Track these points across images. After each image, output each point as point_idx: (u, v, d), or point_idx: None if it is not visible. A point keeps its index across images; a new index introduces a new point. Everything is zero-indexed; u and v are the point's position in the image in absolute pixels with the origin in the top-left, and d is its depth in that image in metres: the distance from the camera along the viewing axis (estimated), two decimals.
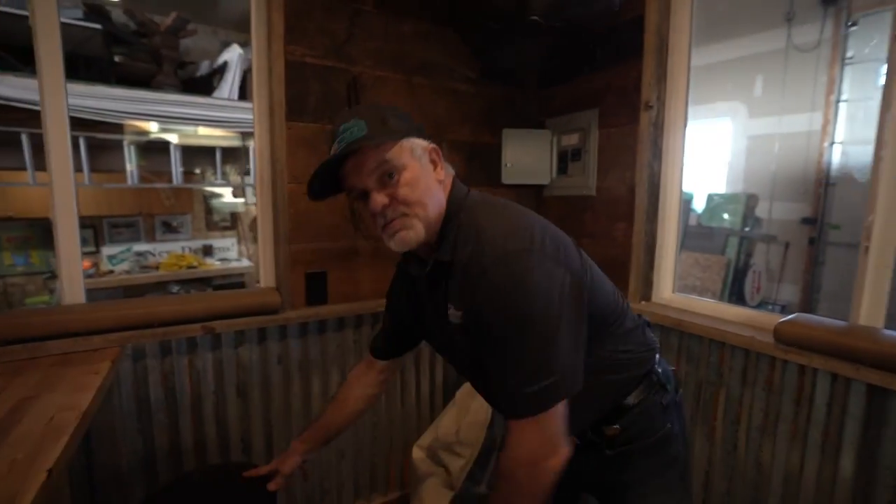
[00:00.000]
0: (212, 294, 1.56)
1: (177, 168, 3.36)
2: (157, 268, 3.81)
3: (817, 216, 4.16)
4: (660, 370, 0.88)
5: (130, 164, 3.31)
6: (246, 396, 1.48)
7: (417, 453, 1.62)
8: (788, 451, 1.21)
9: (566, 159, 1.81)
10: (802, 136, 4.21)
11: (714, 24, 4.31)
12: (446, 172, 0.82)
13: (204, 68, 3.44)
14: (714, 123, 4.87)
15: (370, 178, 0.74)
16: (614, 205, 1.63)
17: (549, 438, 0.69)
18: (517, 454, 0.70)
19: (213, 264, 4.16)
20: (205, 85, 3.36)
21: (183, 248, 4.18)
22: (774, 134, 4.42)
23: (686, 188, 4.94)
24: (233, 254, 4.51)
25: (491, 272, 0.68)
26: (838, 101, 4.02)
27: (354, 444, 1.71)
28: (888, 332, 1.10)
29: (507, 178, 1.84)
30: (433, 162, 0.80)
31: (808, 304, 4.09)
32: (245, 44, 3.33)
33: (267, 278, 1.52)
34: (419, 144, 0.78)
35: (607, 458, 0.86)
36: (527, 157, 1.84)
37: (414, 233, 0.76)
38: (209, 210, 4.57)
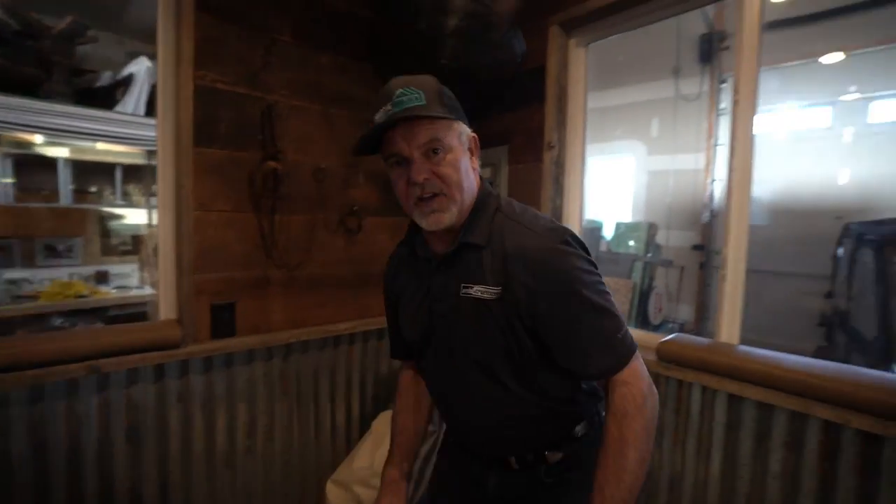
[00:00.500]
0: (99, 329, 1.43)
1: (66, 186, 3.03)
2: (36, 297, 3.36)
3: (705, 243, 4.74)
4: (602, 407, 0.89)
5: (4, 180, 2.93)
6: (137, 441, 1.35)
7: (332, 489, 1.57)
8: (672, 456, 1.35)
9: None
10: (691, 172, 4.81)
11: (616, 72, 4.83)
12: (477, 165, 0.84)
13: (105, 79, 3.18)
14: (620, 159, 5.40)
15: (418, 149, 0.75)
16: None
17: (646, 372, 0.76)
18: (638, 389, 0.73)
19: (109, 293, 3.76)
20: (106, 97, 3.10)
21: (71, 275, 3.73)
22: (669, 170, 5.00)
23: (596, 217, 5.33)
24: (133, 281, 4.10)
25: (550, 263, 0.74)
26: (716, 144, 4.66)
27: (264, 484, 1.62)
28: (742, 348, 1.29)
29: None
30: (471, 150, 0.83)
31: (699, 322, 4.60)
32: (154, 57, 3.15)
33: (167, 310, 1.42)
34: (465, 130, 0.81)
35: (541, 487, 0.84)
36: None
37: (448, 216, 0.78)
38: (105, 233, 4.13)
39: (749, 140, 1.30)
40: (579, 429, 0.85)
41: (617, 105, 4.95)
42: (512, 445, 0.85)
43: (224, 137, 1.45)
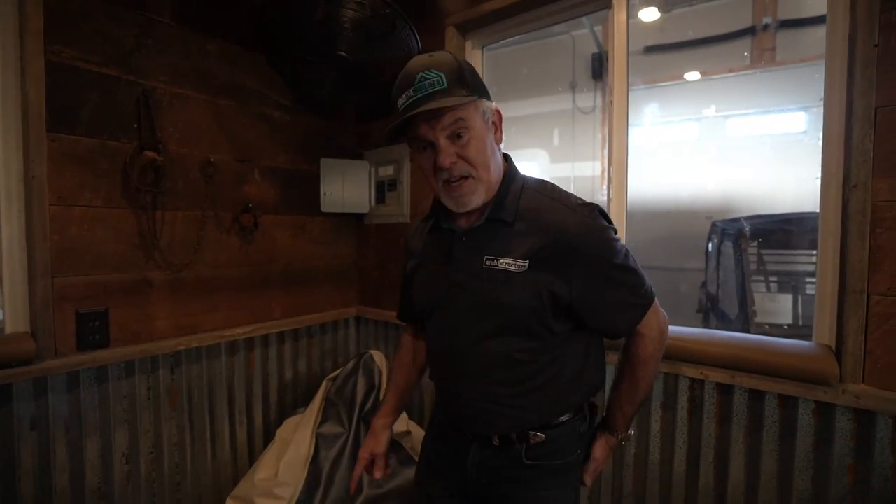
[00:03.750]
0: None
1: None
2: None
3: None
4: (591, 400, 0.92)
5: None
6: None
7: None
8: None
9: (383, 189, 1.91)
10: (589, 179, 5.25)
11: (521, 84, 5.14)
12: (500, 143, 0.85)
13: None
14: (524, 166, 5.73)
15: (443, 133, 0.75)
16: None
17: (660, 314, 0.87)
18: (652, 337, 0.85)
19: None
20: None
21: None
22: (570, 176, 5.41)
23: None
24: None
25: (591, 238, 0.78)
26: (609, 153, 5.14)
27: None
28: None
29: (326, 206, 1.86)
30: (495, 125, 0.82)
31: None
32: None
33: (16, 322, 1.22)
34: (489, 107, 0.81)
35: (520, 468, 0.86)
36: (346, 187, 1.89)
37: (476, 197, 0.80)
38: None
39: (624, 139, 1.47)
40: (565, 417, 0.87)
41: (523, 115, 5.27)
42: (498, 422, 0.86)
43: (89, 124, 1.29)
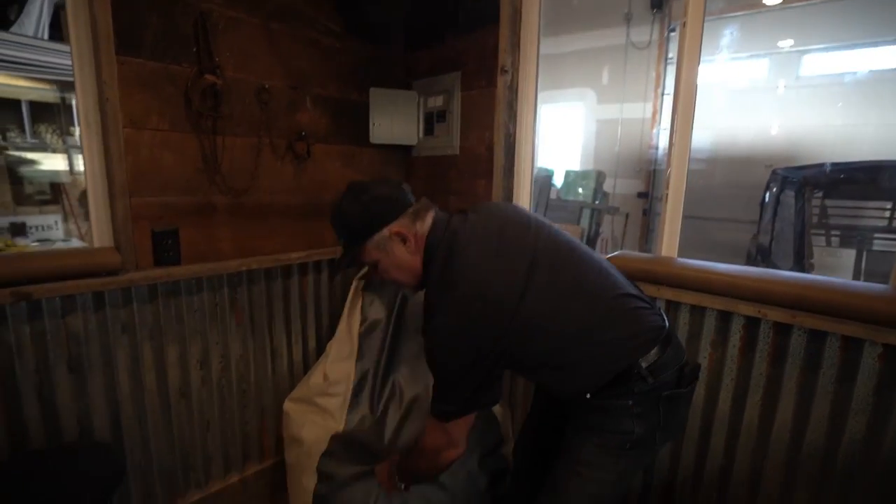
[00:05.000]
0: (27, 253, 1.31)
1: None
2: None
3: (648, 191, 4.96)
4: (645, 364, 0.89)
5: None
6: (80, 373, 1.29)
7: (290, 406, 1.58)
8: None
9: (432, 121, 1.88)
10: (638, 122, 4.95)
11: (570, 17, 4.78)
12: (419, 232, 1.00)
13: None
14: (570, 107, 5.44)
15: (366, 264, 1.09)
16: (476, 163, 1.76)
17: (450, 439, 1.01)
18: (430, 440, 1.04)
19: (29, 246, 3.44)
20: None
21: None
22: (618, 119, 5.10)
23: (548, 165, 5.41)
24: (58, 233, 3.76)
25: (425, 337, 0.97)
26: (663, 93, 4.78)
27: (221, 412, 1.61)
28: (680, 260, 1.39)
29: (375, 137, 1.85)
30: (402, 239, 1.00)
31: None
32: None
33: (102, 237, 1.33)
34: (381, 237, 1.00)
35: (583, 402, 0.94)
36: (394, 118, 1.87)
37: (407, 288, 1.21)
38: (17, 180, 3.70)
39: (694, 71, 1.35)
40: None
41: (570, 52, 4.93)
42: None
43: (153, 47, 1.32)
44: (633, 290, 1.00)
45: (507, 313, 0.89)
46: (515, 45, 1.64)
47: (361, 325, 1.57)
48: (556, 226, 1.05)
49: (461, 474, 1.37)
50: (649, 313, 0.96)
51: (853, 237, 3.42)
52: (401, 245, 1.00)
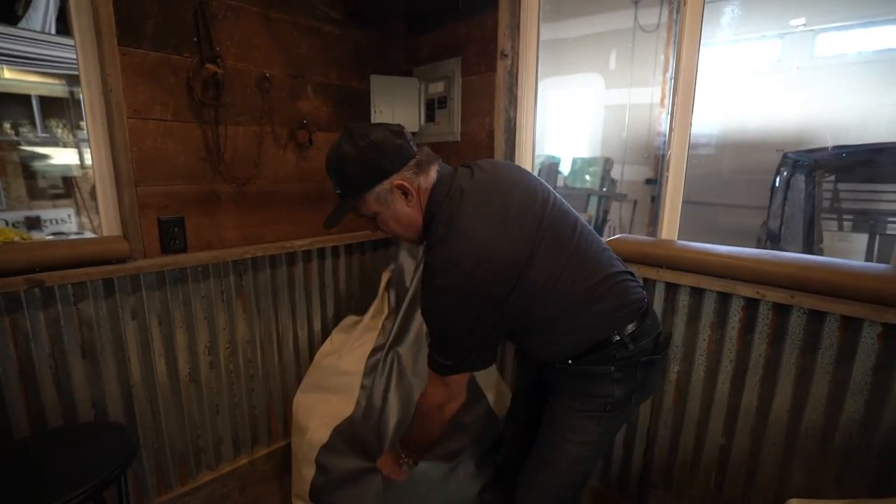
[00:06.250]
0: (39, 242, 1.36)
1: None
2: None
3: (657, 177, 4.90)
4: (627, 332, 0.95)
5: None
6: (93, 357, 1.33)
7: (300, 396, 1.63)
8: None
9: (433, 107, 1.88)
10: (646, 107, 4.86)
11: (575, 0, 4.69)
12: (423, 186, 0.95)
13: None
14: (576, 93, 5.37)
15: (363, 216, 1.01)
16: (477, 149, 1.76)
17: (450, 392, 1.00)
18: (430, 398, 1.03)
19: (44, 239, 3.52)
20: (2, 12, 2.71)
21: None
22: (625, 104, 5.03)
23: (554, 153, 5.36)
24: (71, 226, 3.85)
25: (424, 292, 0.93)
26: (672, 77, 4.69)
27: (230, 397, 1.65)
28: (679, 242, 1.39)
29: None
30: (404, 193, 0.94)
31: None
32: None
33: (110, 226, 1.36)
34: (383, 189, 0.94)
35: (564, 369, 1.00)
36: (396, 105, 1.88)
37: (406, 245, 1.20)
38: (31, 175, 3.77)
39: (694, 54, 1.34)
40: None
41: (576, 36, 4.85)
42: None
43: (154, 37, 1.33)
44: (621, 266, 1.04)
45: (511, 278, 0.89)
46: (515, 29, 1.63)
47: (386, 316, 1.62)
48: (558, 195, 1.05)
49: (459, 475, 1.38)
50: (635, 287, 1.01)
51: (866, 221, 3.36)
52: (402, 199, 0.95)
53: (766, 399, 1.21)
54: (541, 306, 0.94)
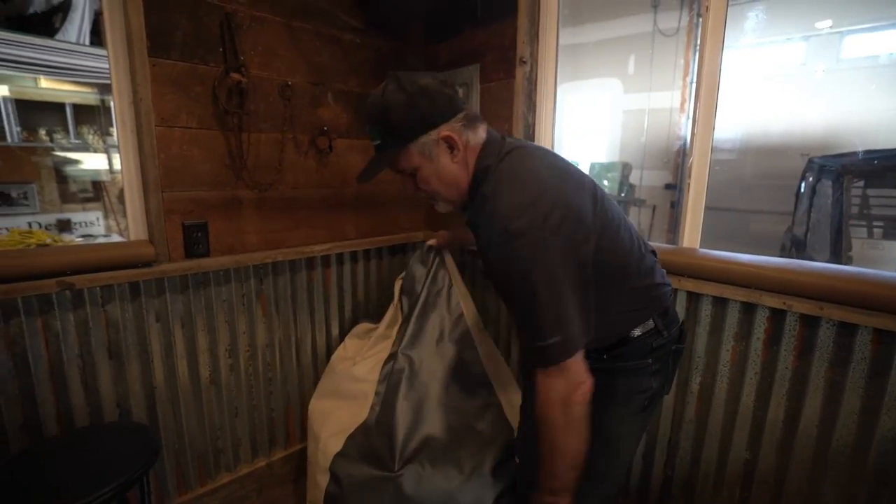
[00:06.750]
0: (70, 246, 1.40)
1: (12, 127, 2.82)
2: None
3: (677, 182, 4.83)
4: (661, 320, 0.95)
5: None
6: (119, 358, 1.37)
7: (314, 403, 1.64)
8: None
9: None
10: (665, 111, 4.81)
11: (593, 5, 4.67)
12: (471, 144, 0.88)
13: (39, 4, 2.91)
14: (594, 98, 5.33)
15: (400, 174, 0.93)
16: None
17: (570, 380, 0.79)
18: (548, 398, 0.81)
19: (74, 241, 3.64)
20: (41, 25, 2.84)
21: (30, 224, 3.58)
22: (644, 109, 4.97)
23: (572, 159, 5.40)
24: (99, 229, 3.97)
25: (495, 249, 0.80)
26: (692, 81, 4.63)
27: (249, 401, 1.68)
28: (701, 250, 1.36)
29: None
30: (450, 147, 0.87)
31: None
32: None
33: (137, 231, 1.40)
34: (429, 140, 0.86)
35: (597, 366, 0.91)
36: None
37: (443, 206, 0.96)
38: (63, 179, 3.92)
39: (717, 56, 1.31)
40: (636, 331, 0.95)
41: (594, 41, 4.82)
42: None
43: (181, 48, 1.37)
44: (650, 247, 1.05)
45: (584, 231, 0.82)
46: (534, 36, 1.63)
47: (400, 322, 1.62)
48: None
49: (474, 483, 1.33)
50: (661, 269, 1.03)
51: None
52: (447, 153, 0.87)
53: (794, 413, 1.17)
54: (608, 269, 0.88)
